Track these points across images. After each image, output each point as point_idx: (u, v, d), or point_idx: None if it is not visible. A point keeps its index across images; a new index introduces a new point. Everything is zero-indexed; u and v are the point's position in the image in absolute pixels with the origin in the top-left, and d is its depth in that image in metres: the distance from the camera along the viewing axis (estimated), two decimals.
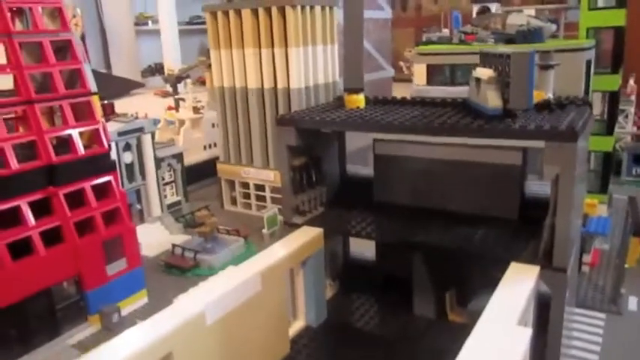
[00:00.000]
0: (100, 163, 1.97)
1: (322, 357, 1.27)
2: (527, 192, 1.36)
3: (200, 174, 3.24)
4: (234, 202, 2.87)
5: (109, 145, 2.04)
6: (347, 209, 1.44)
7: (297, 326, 1.37)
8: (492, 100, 1.15)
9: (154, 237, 2.44)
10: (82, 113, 1.89)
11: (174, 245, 2.23)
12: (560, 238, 1.08)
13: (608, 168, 2.30)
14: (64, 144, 1.79)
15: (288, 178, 1.35)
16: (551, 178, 1.07)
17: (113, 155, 2.39)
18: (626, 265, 1.92)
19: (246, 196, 2.82)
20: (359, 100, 1.42)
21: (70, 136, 1.76)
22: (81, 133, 1.87)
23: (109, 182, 1.99)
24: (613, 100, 2.26)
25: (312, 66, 2.54)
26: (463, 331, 0.90)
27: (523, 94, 1.10)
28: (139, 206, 2.57)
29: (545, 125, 1.05)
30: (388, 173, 1.46)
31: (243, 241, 2.33)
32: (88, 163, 1.93)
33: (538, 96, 1.24)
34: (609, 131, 2.25)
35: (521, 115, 1.14)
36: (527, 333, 0.89)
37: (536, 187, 1.37)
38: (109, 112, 2.67)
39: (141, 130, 2.52)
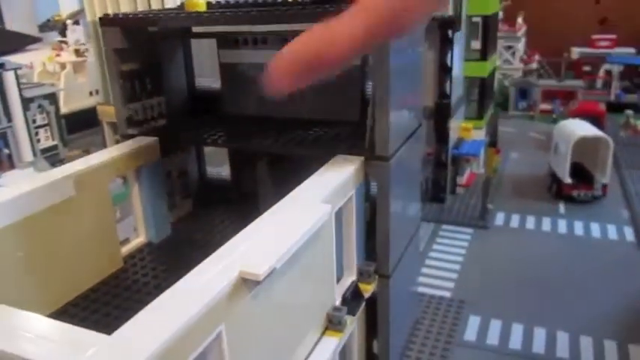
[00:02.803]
0: None
1: (157, 271, 1.21)
2: (369, 94, 1.33)
3: (85, 121, 3.05)
4: None
5: None
6: (192, 121, 1.37)
7: (136, 242, 1.30)
8: None
9: None
10: None
11: None
12: (380, 127, 1.06)
13: (484, 94, 2.34)
14: None
15: (118, 85, 1.25)
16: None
17: None
18: (492, 181, 1.98)
19: None
20: (199, 4, 1.33)
21: None
22: None
23: None
24: (486, 25, 2.29)
25: None
26: None
27: None
28: (6, 150, 2.39)
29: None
30: (234, 83, 1.40)
31: (121, 181, 2.21)
32: None
33: None
34: (483, 57, 2.29)
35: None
36: (325, 208, 0.86)
37: None
38: None
39: (1, 66, 2.31)
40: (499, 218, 2.05)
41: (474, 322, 1.49)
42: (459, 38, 2.10)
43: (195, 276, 0.69)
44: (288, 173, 1.31)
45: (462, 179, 2.20)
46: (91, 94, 3.20)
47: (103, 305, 1.10)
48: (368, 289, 1.12)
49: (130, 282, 1.17)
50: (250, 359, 0.73)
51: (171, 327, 0.57)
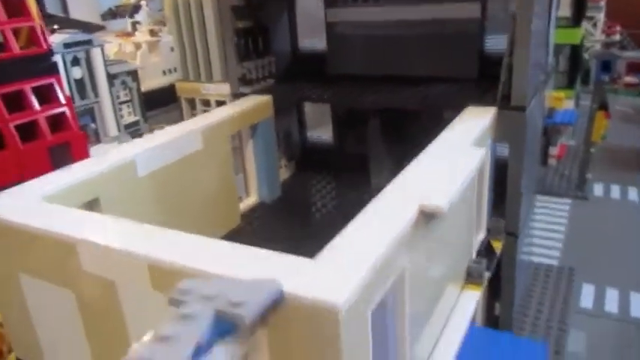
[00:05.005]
0: (40, 64, 1.84)
1: (274, 229, 1.20)
2: (487, 49, 1.28)
3: (160, 99, 3.10)
4: None
5: (50, 48, 1.91)
6: (299, 80, 1.35)
7: (250, 201, 1.30)
8: None
9: None
10: (14, 10, 1.75)
11: None
12: (518, 74, 1.01)
13: (576, 63, 2.24)
14: None
15: (232, 43, 1.25)
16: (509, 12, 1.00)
17: (61, 68, 2.27)
18: (592, 150, 1.89)
19: None
20: None
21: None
22: (15, 32, 1.74)
23: (51, 85, 1.87)
24: None
25: None
26: None
27: None
28: (93, 125, 2.45)
29: None
30: (341, 42, 1.37)
31: None
32: (25, 63, 1.80)
33: None
34: (576, 23, 2.18)
35: None
36: (482, 151, 0.83)
37: (499, 42, 1.28)
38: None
39: (89, 42, 2.37)
40: (597, 189, 1.96)
41: (588, 290, 1.43)
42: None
43: (375, 211, 0.67)
44: (402, 132, 1.28)
45: (554, 150, 2.11)
46: (164, 73, 3.25)
47: None
48: (497, 247, 1.08)
49: (251, 239, 1.17)
50: (419, 296, 0.70)
51: (376, 251, 0.56)
